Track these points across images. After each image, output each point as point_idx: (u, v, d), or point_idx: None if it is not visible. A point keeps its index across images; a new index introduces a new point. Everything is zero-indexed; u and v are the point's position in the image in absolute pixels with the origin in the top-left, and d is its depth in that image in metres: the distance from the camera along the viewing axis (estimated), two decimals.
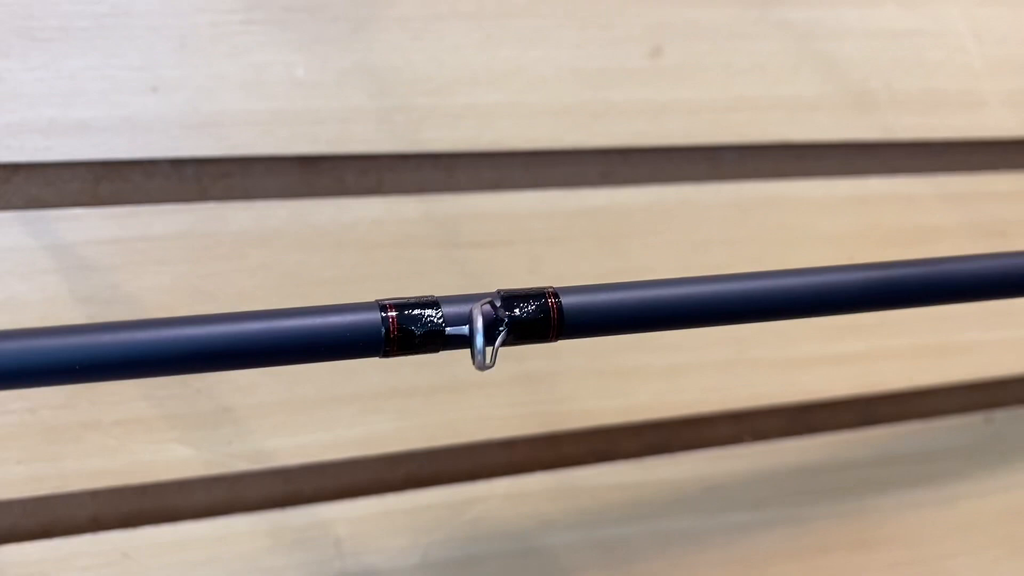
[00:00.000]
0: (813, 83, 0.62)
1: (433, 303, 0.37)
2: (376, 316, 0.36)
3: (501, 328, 0.37)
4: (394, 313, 0.36)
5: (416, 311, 0.36)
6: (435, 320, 0.37)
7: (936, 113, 0.64)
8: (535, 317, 0.37)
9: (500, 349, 0.38)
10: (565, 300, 0.37)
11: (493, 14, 0.56)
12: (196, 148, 0.52)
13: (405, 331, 0.36)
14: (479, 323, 0.37)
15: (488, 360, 0.37)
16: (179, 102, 0.52)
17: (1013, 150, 0.67)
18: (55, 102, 0.50)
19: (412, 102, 0.55)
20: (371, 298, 0.39)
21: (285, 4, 0.53)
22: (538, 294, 0.37)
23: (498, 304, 0.38)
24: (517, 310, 0.37)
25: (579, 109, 0.58)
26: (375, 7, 0.54)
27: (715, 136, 0.61)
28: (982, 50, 0.65)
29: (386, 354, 0.36)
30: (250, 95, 0.53)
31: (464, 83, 0.56)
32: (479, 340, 0.37)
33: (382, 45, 0.55)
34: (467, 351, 0.38)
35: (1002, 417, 0.69)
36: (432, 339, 0.37)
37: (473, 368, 0.37)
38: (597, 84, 0.58)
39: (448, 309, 0.37)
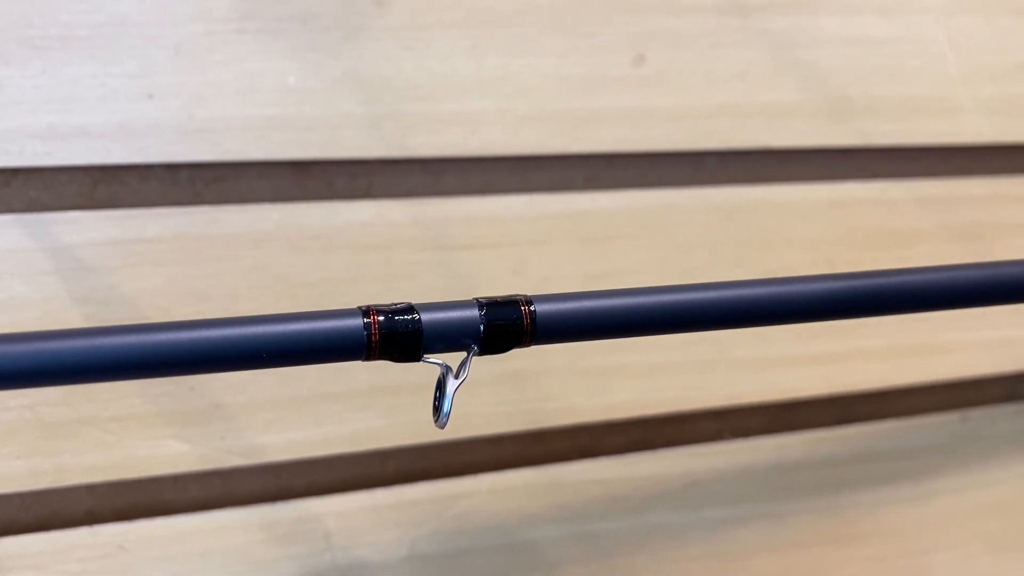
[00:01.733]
0: (793, 90, 0.62)
1: (410, 309, 0.38)
2: (359, 322, 0.37)
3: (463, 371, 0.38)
4: (376, 319, 0.37)
5: (397, 317, 0.37)
6: (415, 348, 0.37)
7: (913, 119, 0.65)
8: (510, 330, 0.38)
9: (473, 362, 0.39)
10: (539, 307, 0.39)
11: (480, 23, 0.57)
12: (190, 153, 0.53)
13: (386, 337, 0.37)
14: (450, 388, 0.38)
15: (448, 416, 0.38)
16: (174, 108, 0.52)
17: (988, 155, 0.68)
18: (54, 108, 0.51)
19: (401, 109, 0.56)
20: (360, 300, 0.40)
21: (277, 13, 0.54)
22: (513, 301, 0.39)
23: (475, 351, 0.38)
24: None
25: (564, 115, 0.59)
26: (365, 17, 0.55)
27: (697, 142, 0.61)
28: (958, 58, 0.65)
29: (368, 358, 0.37)
30: (243, 102, 0.53)
31: (452, 90, 0.57)
32: (447, 406, 0.38)
33: (372, 54, 0.55)
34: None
35: (978, 416, 0.70)
36: (412, 352, 0.38)
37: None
38: (582, 91, 0.59)
39: (427, 316, 0.38)
